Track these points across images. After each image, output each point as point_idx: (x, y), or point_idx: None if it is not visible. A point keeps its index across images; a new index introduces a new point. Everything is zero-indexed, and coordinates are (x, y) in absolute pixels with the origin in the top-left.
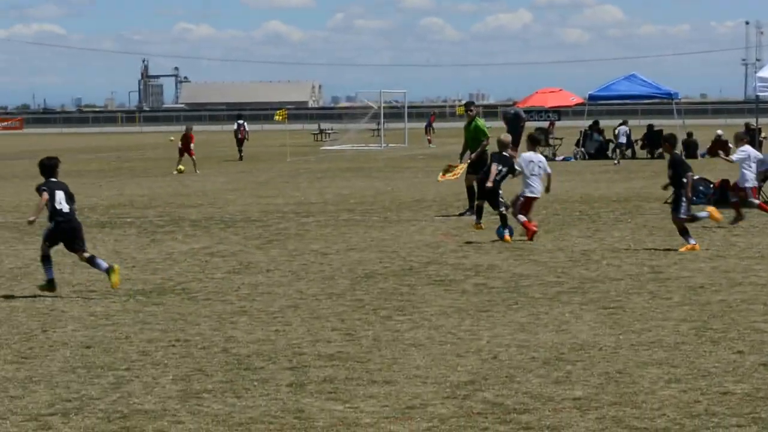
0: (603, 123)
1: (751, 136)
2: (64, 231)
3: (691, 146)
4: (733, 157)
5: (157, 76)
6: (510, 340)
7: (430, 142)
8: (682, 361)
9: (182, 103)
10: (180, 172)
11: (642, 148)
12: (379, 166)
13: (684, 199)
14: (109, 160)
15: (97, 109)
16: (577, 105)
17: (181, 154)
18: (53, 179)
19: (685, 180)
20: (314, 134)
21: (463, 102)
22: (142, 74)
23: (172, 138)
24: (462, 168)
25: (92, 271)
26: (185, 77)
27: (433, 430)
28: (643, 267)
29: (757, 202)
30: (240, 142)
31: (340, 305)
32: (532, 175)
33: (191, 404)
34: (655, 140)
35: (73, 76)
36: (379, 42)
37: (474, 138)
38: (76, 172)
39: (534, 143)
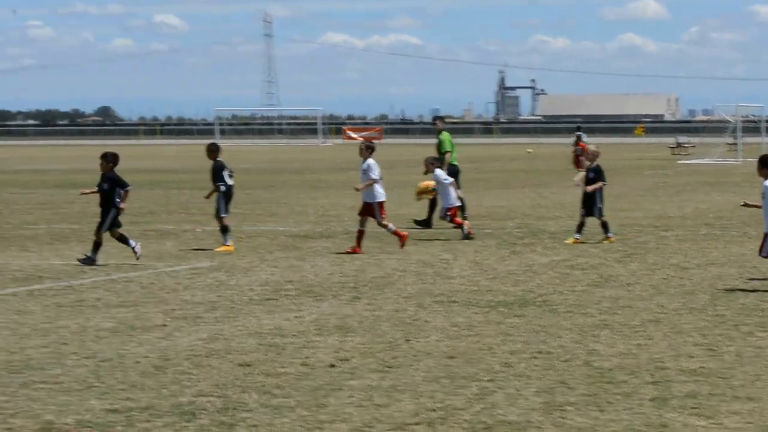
0: None
1: None
2: None
3: None
4: None
5: (514, 88)
6: None
7: None
8: None
9: (539, 115)
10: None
11: None
12: (737, 181)
13: None
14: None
15: (455, 120)
16: None
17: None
18: None
19: None
20: (671, 147)
21: None
22: (498, 86)
23: (530, 150)
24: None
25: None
26: (542, 89)
27: None
28: None
29: None
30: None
31: (701, 320)
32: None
33: (555, 417)
34: None
35: (429, 87)
36: (734, 54)
37: (438, 152)
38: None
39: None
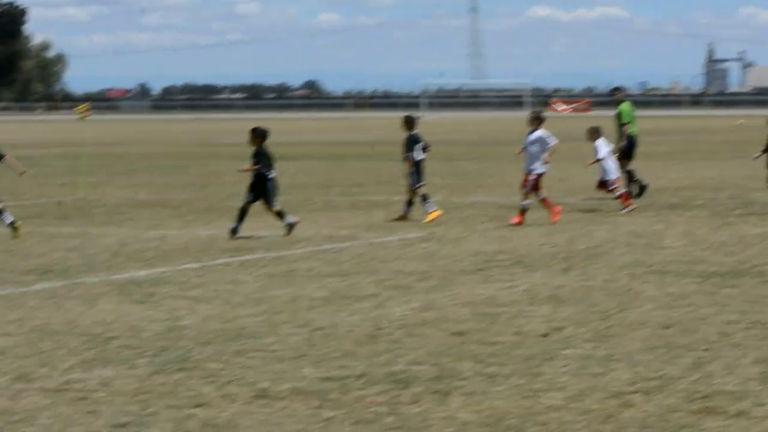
0: None
1: None
2: None
3: None
4: None
5: (723, 60)
6: None
7: None
8: None
9: (749, 87)
10: None
11: None
12: None
13: None
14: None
15: (662, 93)
16: None
17: None
18: None
19: None
20: None
21: None
22: (707, 58)
23: (741, 121)
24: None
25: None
26: (751, 61)
27: None
28: None
29: None
30: None
31: None
32: None
33: None
34: None
35: (637, 59)
36: None
37: (618, 123)
38: (646, 154)
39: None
